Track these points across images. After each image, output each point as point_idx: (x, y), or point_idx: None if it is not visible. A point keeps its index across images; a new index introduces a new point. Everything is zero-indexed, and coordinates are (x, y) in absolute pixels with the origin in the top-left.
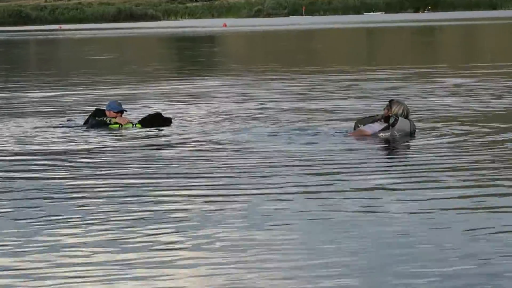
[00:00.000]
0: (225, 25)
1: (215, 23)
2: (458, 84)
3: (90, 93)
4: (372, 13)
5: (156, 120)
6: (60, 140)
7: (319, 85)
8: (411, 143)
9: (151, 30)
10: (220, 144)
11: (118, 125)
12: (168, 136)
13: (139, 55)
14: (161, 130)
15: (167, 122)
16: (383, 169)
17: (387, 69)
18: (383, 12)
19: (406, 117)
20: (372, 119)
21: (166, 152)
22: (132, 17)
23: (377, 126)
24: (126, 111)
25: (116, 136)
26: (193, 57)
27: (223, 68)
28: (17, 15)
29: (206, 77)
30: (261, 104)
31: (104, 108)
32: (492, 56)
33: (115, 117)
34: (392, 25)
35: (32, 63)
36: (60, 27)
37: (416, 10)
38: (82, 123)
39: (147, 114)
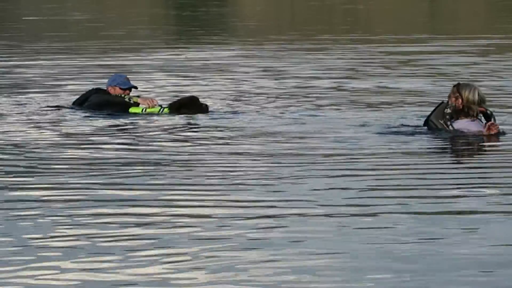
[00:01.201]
0: None
1: None
2: None
3: (60, 64)
4: None
5: (190, 106)
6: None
7: (366, 58)
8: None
9: None
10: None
11: (141, 109)
12: (206, 127)
13: (124, 15)
14: (195, 119)
15: (203, 109)
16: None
17: (458, 39)
18: None
19: (482, 103)
20: (446, 113)
21: (203, 151)
22: None
23: (475, 127)
24: (137, 88)
25: (135, 126)
26: (196, 19)
27: (237, 34)
28: None
29: (215, 46)
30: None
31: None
32: None
33: (126, 95)
34: None
35: None
36: None
37: None
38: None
39: (179, 98)
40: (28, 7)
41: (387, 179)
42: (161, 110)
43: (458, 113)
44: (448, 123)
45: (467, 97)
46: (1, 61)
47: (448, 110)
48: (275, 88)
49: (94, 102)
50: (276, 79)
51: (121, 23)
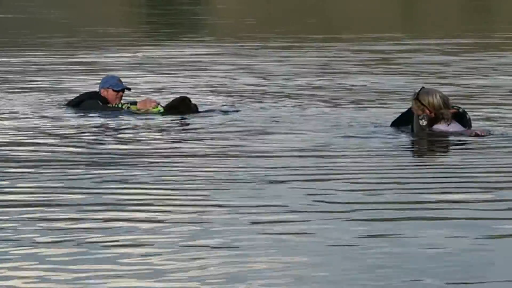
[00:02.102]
0: None
1: None
2: None
3: (29, 61)
4: None
5: (181, 106)
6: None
7: (342, 56)
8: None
9: None
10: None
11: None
12: (195, 128)
13: (98, 13)
14: (185, 118)
15: (193, 109)
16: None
17: (428, 38)
18: None
19: (447, 103)
20: (423, 126)
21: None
22: None
23: (453, 129)
24: (130, 89)
25: (124, 125)
26: (170, 17)
27: (210, 33)
28: None
29: (188, 43)
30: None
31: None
32: None
33: (117, 99)
34: None
35: None
36: None
37: None
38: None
39: (172, 99)
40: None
41: (363, 181)
42: (160, 110)
43: (434, 121)
44: (442, 127)
45: (431, 103)
46: None
47: (424, 122)
48: (256, 86)
49: (87, 109)
50: (255, 77)
51: (93, 21)
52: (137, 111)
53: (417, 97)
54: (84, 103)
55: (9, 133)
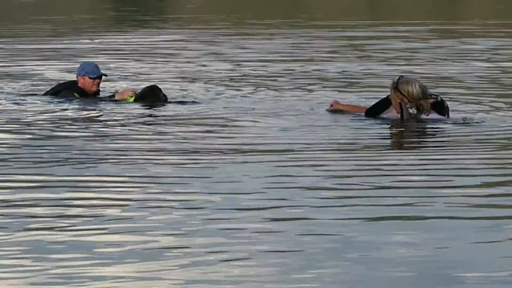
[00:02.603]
0: None
1: None
2: (489, 48)
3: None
4: None
5: (150, 96)
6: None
7: (306, 43)
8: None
9: None
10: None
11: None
12: (162, 118)
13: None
14: (156, 107)
15: (161, 99)
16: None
17: (398, 25)
18: None
19: (426, 93)
20: (412, 114)
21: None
22: None
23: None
24: (106, 75)
25: (91, 114)
26: (135, 5)
27: (176, 19)
28: None
29: (154, 30)
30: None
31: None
32: None
33: (94, 86)
34: None
35: None
36: None
37: None
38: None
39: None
40: None
41: (333, 175)
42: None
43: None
44: (423, 116)
45: (411, 93)
46: None
47: (414, 110)
48: (226, 73)
49: (62, 100)
50: (225, 64)
51: (58, 8)
52: (125, 100)
53: (396, 87)
54: (60, 93)
55: None
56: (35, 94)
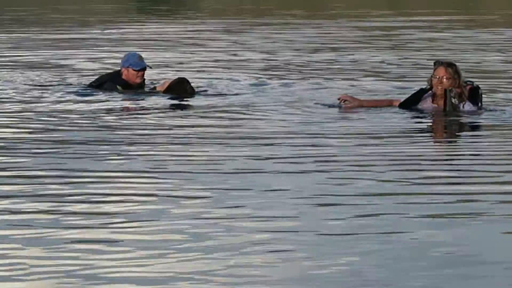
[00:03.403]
0: None
1: None
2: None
3: (15, 37)
4: None
5: (177, 88)
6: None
7: (331, 33)
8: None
9: None
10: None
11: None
12: (188, 111)
13: None
14: (181, 99)
15: (188, 92)
16: None
17: (414, 16)
18: None
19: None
20: (454, 104)
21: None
22: None
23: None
24: (150, 67)
25: (119, 106)
26: None
27: (200, 9)
28: None
29: (181, 20)
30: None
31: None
32: None
33: (138, 78)
34: None
35: None
36: None
37: None
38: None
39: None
40: None
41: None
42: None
43: (460, 97)
44: (461, 107)
45: (456, 73)
46: None
47: (456, 101)
48: (251, 63)
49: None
50: (252, 53)
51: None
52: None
53: (449, 65)
54: (104, 85)
55: (15, 115)
56: (78, 85)
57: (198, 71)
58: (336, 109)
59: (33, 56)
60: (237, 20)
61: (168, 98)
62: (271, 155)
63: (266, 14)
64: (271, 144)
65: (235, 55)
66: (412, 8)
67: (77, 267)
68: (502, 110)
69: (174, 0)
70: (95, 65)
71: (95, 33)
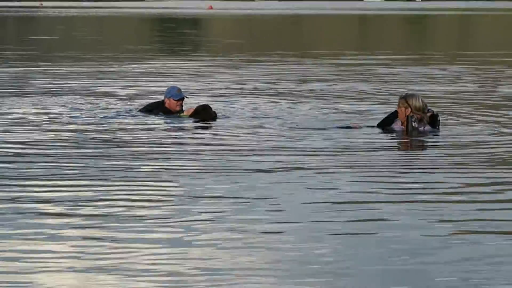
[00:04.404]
0: (211, 7)
1: (200, 5)
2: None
3: (77, 70)
4: (372, 0)
5: (202, 113)
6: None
7: (314, 68)
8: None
9: (133, 10)
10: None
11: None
12: (210, 132)
13: (122, 34)
14: (205, 123)
15: (212, 116)
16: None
17: (381, 54)
18: (383, 0)
19: (426, 108)
20: (414, 127)
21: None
22: None
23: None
24: (187, 97)
25: (155, 126)
26: (177, 39)
27: (213, 49)
28: None
29: (195, 57)
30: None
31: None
32: (483, 46)
33: (178, 106)
34: (385, 13)
35: (14, 40)
36: (41, 4)
37: None
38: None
39: (197, 105)
40: (43, 28)
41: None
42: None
43: (420, 121)
44: (421, 128)
45: (414, 105)
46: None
47: (416, 124)
48: (256, 90)
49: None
50: (253, 82)
51: (116, 41)
52: (183, 116)
53: (405, 98)
54: (154, 111)
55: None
56: (131, 110)
57: (215, 97)
58: (324, 129)
59: (93, 85)
60: (239, 57)
61: (195, 121)
62: (276, 164)
63: (263, 52)
64: (278, 155)
65: (241, 84)
66: (376, 48)
67: (111, 262)
68: (449, 130)
69: (188, 41)
70: (128, 91)
71: (130, 67)
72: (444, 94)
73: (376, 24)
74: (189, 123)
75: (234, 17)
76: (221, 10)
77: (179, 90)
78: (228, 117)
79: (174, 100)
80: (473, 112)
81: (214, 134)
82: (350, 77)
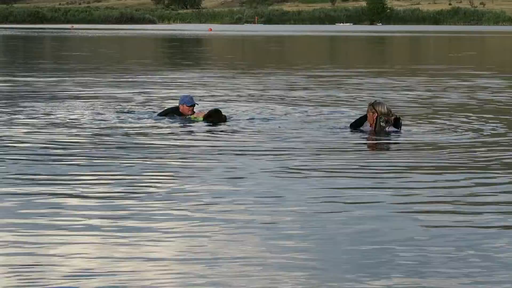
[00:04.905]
0: (211, 30)
1: (202, 28)
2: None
3: (102, 81)
4: (342, 24)
5: (214, 116)
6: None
7: (298, 79)
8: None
9: (148, 31)
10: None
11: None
12: (224, 132)
13: (138, 51)
14: (217, 125)
15: (223, 119)
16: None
17: (352, 68)
18: (351, 24)
19: (390, 113)
20: (382, 126)
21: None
22: (132, 20)
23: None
24: (198, 104)
25: (171, 128)
26: (183, 54)
27: (213, 63)
28: (35, 15)
29: (198, 69)
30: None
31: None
32: (431, 61)
33: (190, 111)
34: (354, 35)
35: (53, 56)
36: (72, 26)
37: (372, 23)
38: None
39: (209, 110)
40: (74, 46)
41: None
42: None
43: (386, 123)
44: (386, 129)
45: (380, 110)
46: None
47: (383, 124)
48: (254, 97)
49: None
50: (249, 91)
51: (133, 57)
52: (194, 119)
53: (373, 104)
54: (169, 114)
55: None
56: (150, 113)
57: (216, 102)
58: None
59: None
60: (235, 70)
61: (208, 124)
62: (283, 162)
63: (255, 65)
64: (287, 154)
65: (238, 91)
66: (347, 63)
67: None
68: (409, 131)
69: (192, 57)
70: (142, 97)
71: (144, 77)
72: (402, 100)
73: (346, 43)
74: (204, 125)
75: (230, 37)
76: (219, 32)
77: (191, 98)
78: (236, 119)
79: (187, 106)
80: (427, 115)
81: (229, 134)
82: (328, 86)
